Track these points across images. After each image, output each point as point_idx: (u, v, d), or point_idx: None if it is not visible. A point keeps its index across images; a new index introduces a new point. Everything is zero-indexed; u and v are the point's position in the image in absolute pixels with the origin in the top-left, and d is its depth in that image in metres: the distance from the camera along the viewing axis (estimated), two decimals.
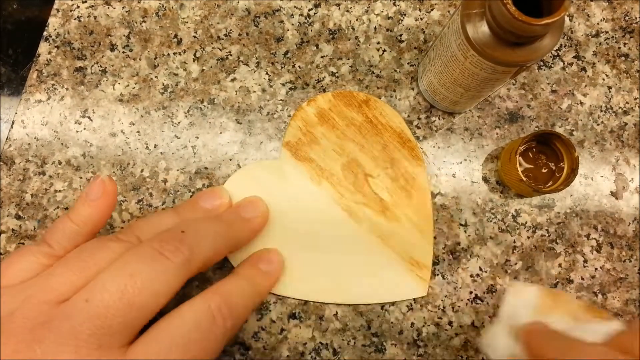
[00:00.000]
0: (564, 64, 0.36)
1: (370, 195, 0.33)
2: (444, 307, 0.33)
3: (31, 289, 0.23)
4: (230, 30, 0.36)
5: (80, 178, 0.34)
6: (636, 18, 0.37)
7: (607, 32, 0.37)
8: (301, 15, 0.36)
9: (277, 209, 0.33)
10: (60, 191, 0.34)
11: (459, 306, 0.33)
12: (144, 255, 0.24)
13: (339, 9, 0.37)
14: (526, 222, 0.34)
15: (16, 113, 0.35)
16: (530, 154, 0.33)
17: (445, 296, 0.33)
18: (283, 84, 0.35)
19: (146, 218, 0.29)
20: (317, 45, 0.36)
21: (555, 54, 0.36)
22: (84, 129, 0.35)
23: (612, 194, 0.35)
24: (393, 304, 0.33)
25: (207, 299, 0.25)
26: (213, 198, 0.31)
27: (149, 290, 0.23)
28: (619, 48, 0.37)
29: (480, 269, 0.34)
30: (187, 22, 0.36)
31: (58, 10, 0.36)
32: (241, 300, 0.27)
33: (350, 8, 0.37)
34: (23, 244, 0.33)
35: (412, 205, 0.33)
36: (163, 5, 0.36)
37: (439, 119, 0.35)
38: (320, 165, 0.34)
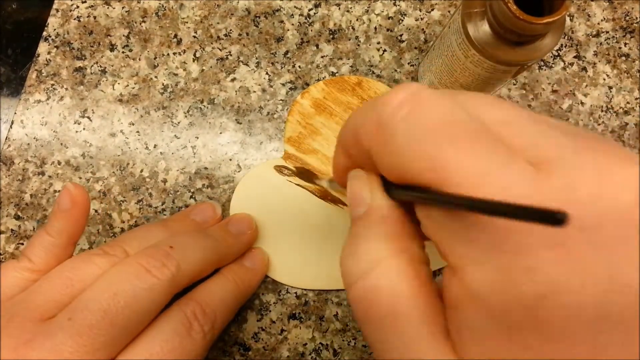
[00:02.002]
0: (564, 64, 0.36)
1: None
2: None
3: (15, 307, 0.23)
4: (230, 30, 0.36)
5: (80, 178, 0.34)
6: (637, 18, 0.37)
7: (607, 32, 0.37)
8: (301, 15, 0.36)
9: (292, 205, 0.33)
10: (59, 191, 0.33)
11: None
12: (128, 272, 0.24)
13: (339, 9, 0.37)
14: None
15: (15, 113, 0.34)
16: None
17: None
18: (283, 84, 0.35)
19: (134, 231, 0.29)
20: (317, 45, 0.36)
21: (556, 53, 0.36)
22: (84, 129, 0.34)
23: None
24: None
25: (182, 306, 0.25)
26: (204, 212, 0.31)
27: (133, 309, 0.23)
28: (620, 48, 0.37)
29: None
30: (187, 22, 0.36)
31: (57, 10, 0.36)
32: (222, 301, 0.27)
33: (351, 8, 0.37)
34: (22, 244, 0.33)
35: None
36: (163, 5, 0.36)
37: None
38: (326, 154, 0.34)
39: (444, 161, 0.14)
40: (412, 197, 0.16)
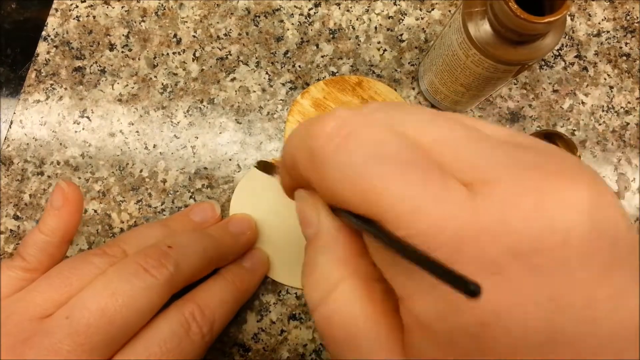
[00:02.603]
0: (565, 63, 0.36)
1: None
2: None
3: (13, 305, 0.23)
4: (230, 29, 0.36)
5: (79, 178, 0.34)
6: (637, 17, 0.37)
7: (608, 32, 0.37)
8: (301, 14, 0.36)
9: (292, 205, 0.33)
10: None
11: None
12: (127, 272, 0.24)
13: (339, 8, 0.36)
14: None
15: (14, 113, 0.34)
16: None
17: None
18: (283, 84, 0.35)
19: (134, 231, 0.28)
20: (317, 45, 0.36)
21: (557, 53, 0.36)
22: (83, 129, 0.34)
23: (614, 193, 0.35)
24: None
25: (180, 307, 0.25)
26: (204, 212, 0.31)
27: (131, 308, 0.23)
28: (621, 48, 0.36)
29: None
30: (187, 22, 0.36)
31: (57, 10, 0.36)
32: (221, 302, 0.27)
33: (351, 7, 0.36)
34: None
35: None
36: (162, 5, 0.36)
37: None
38: None
39: (377, 197, 0.13)
40: (356, 225, 0.15)
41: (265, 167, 0.28)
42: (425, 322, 0.13)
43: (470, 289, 0.10)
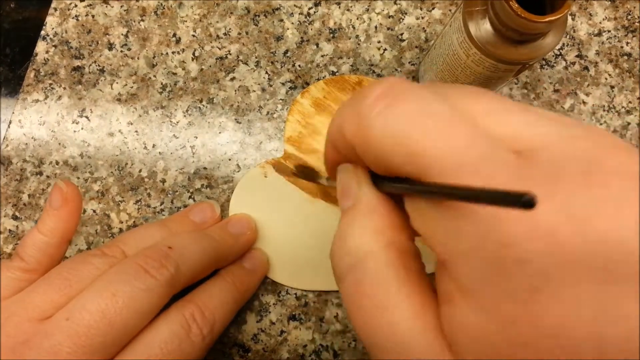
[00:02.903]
0: (566, 63, 0.36)
1: None
2: None
3: (13, 306, 0.23)
4: (230, 29, 0.36)
5: (78, 178, 0.33)
6: (638, 17, 0.37)
7: (609, 32, 0.37)
8: (301, 14, 0.36)
9: (292, 205, 0.33)
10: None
11: None
12: (127, 273, 0.24)
13: (340, 7, 0.36)
14: None
15: (13, 113, 0.34)
16: None
17: None
18: (283, 83, 0.35)
19: (133, 231, 0.28)
20: (317, 44, 0.36)
21: (558, 53, 0.36)
22: (82, 128, 0.34)
23: None
24: None
25: (180, 308, 0.25)
26: (203, 212, 0.31)
27: (131, 310, 0.23)
28: (622, 47, 0.36)
29: None
30: (186, 21, 0.36)
31: (56, 9, 0.36)
32: (221, 303, 0.27)
33: (351, 7, 0.36)
34: None
35: None
36: (162, 4, 0.36)
37: None
38: None
39: (422, 153, 0.13)
40: (398, 189, 0.15)
41: (305, 173, 0.28)
42: (470, 288, 0.13)
43: (525, 200, 0.10)
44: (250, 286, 0.30)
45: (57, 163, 0.34)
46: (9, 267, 0.25)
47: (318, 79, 0.35)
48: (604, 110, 0.35)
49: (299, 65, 0.35)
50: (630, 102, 0.36)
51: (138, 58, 0.35)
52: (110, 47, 0.35)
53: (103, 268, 0.24)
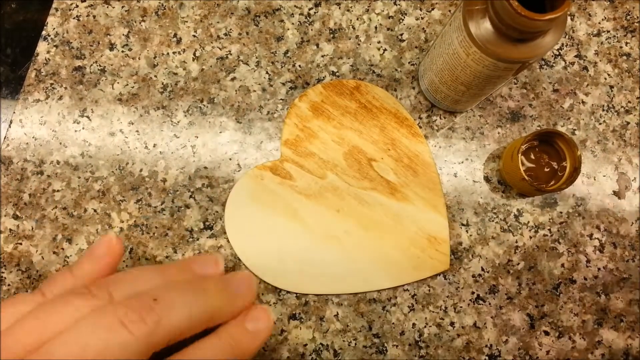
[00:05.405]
0: (565, 63, 0.36)
1: (377, 179, 0.34)
2: (446, 307, 0.33)
3: None
4: (230, 29, 0.36)
5: (79, 178, 0.34)
6: (637, 17, 0.37)
7: (608, 32, 0.37)
8: (301, 14, 0.36)
9: (289, 207, 0.33)
10: (58, 191, 0.33)
11: (461, 307, 0.33)
12: (102, 325, 0.22)
13: (340, 8, 0.36)
14: (528, 222, 0.34)
15: (14, 112, 0.34)
16: (532, 153, 0.33)
17: (447, 296, 0.33)
18: (283, 83, 0.35)
19: (127, 273, 0.26)
20: (317, 45, 0.36)
21: (557, 53, 0.36)
22: (83, 128, 0.34)
23: (615, 193, 0.35)
24: (395, 304, 0.32)
25: None
26: (207, 266, 0.28)
27: None
28: (621, 47, 0.37)
29: (482, 269, 0.33)
30: (187, 22, 0.36)
31: (57, 10, 0.36)
32: None
33: (351, 7, 0.36)
34: (21, 244, 0.33)
35: (420, 182, 0.34)
36: (162, 5, 0.36)
37: (440, 119, 0.35)
38: (322, 158, 0.34)
39: None
40: None
41: None
42: None
43: None
44: (249, 349, 0.27)
45: (58, 162, 0.34)
46: (27, 301, 0.24)
47: (318, 79, 0.35)
48: (603, 110, 0.36)
49: (299, 66, 0.36)
50: (629, 101, 0.36)
51: (139, 58, 0.35)
52: (112, 47, 0.35)
53: (84, 311, 0.23)
